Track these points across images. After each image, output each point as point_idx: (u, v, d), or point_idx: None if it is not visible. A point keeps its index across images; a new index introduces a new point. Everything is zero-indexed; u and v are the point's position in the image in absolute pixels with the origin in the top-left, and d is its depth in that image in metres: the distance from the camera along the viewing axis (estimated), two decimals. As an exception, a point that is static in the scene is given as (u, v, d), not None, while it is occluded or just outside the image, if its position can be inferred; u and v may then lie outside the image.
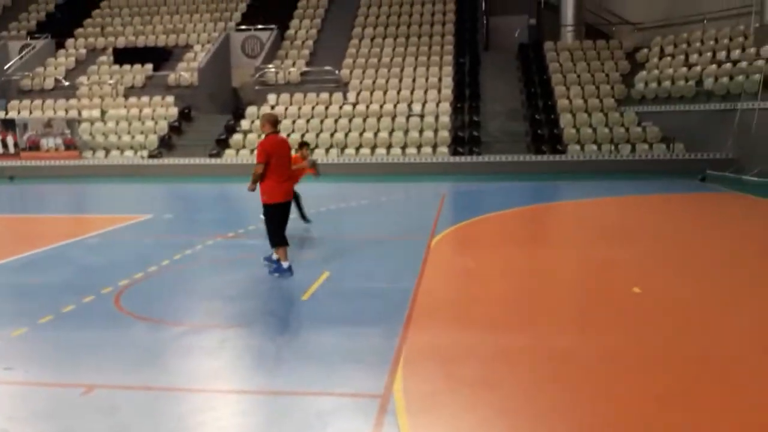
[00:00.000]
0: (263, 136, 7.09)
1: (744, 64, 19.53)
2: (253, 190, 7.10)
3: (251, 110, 22.39)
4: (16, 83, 25.28)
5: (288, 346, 5.16)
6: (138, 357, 4.85)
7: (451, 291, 6.89)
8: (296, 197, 9.55)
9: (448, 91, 22.26)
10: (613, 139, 19.82)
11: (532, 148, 20.00)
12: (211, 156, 20.90)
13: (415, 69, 23.54)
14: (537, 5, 26.32)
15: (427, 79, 23.03)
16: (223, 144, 21.32)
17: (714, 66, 20.31)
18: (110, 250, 9.05)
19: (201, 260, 8.25)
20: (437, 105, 21.72)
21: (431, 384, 4.25)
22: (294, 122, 21.57)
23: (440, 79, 22.88)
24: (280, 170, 6.98)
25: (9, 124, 22.21)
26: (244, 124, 21.93)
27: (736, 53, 20.44)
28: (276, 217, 7.11)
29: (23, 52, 26.33)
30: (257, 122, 20.03)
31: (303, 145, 10.06)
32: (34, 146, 21.99)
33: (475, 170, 19.23)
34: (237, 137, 21.37)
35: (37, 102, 24.06)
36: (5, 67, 25.46)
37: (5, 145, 21.94)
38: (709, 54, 21.17)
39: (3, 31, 28.26)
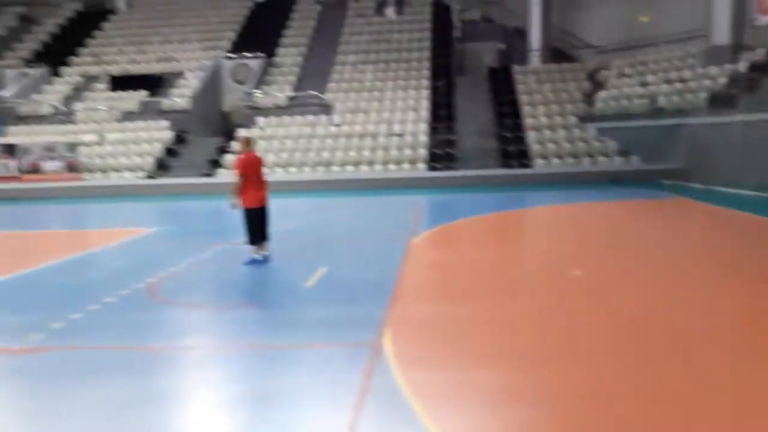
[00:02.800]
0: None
1: (693, 83, 21.57)
2: (235, 207, 8.77)
3: (241, 133, 23.87)
4: (13, 110, 26.53)
5: (295, 315, 6.58)
6: (179, 330, 6.26)
7: (428, 277, 8.40)
8: None
9: (425, 113, 23.99)
10: (575, 153, 21.65)
11: (502, 163, 21.74)
12: (203, 175, 22.31)
13: (395, 92, 25.30)
14: (505, 32, 28.31)
15: (406, 102, 24.77)
16: (215, 164, 22.76)
17: (666, 85, 22.32)
18: (130, 256, 10.41)
19: (214, 261, 9.65)
20: (416, 125, 23.43)
21: (413, 336, 5.71)
22: (282, 143, 23.12)
23: (418, 102, 24.63)
24: (253, 182, 8.77)
25: (10, 149, 23.45)
26: (235, 145, 23.38)
27: (686, 73, 22.47)
28: (252, 220, 8.81)
29: (20, 80, 27.62)
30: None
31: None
32: (35, 169, 23.23)
33: (451, 183, 20.89)
34: (228, 158, 22.81)
35: (36, 127, 25.32)
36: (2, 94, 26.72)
37: (7, 168, 23.15)
38: (662, 74, 23.20)
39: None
